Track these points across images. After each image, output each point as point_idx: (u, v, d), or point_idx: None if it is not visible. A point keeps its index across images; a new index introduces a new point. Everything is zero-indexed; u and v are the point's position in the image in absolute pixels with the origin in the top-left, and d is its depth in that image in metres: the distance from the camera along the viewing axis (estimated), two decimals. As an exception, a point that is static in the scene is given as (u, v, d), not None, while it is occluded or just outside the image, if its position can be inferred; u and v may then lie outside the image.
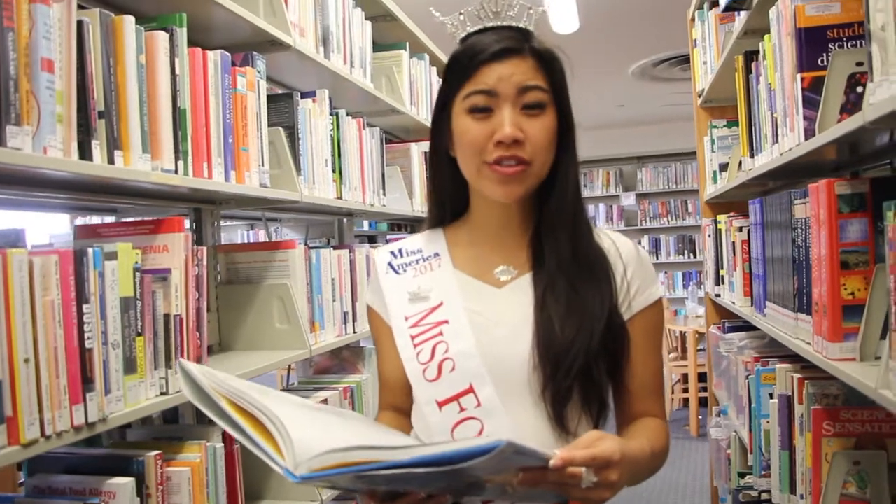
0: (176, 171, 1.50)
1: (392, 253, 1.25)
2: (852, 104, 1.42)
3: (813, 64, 1.54)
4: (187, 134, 1.54)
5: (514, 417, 1.09)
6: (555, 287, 1.13)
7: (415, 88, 3.09)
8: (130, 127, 1.37)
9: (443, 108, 1.18)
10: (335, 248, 2.29)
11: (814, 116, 1.51)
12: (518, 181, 1.12)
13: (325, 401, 2.12)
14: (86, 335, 1.21)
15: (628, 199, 8.80)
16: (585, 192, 8.60)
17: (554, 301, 1.12)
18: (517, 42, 1.14)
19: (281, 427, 0.89)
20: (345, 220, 2.94)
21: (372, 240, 3.59)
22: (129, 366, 1.33)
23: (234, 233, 6.85)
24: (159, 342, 1.43)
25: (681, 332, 6.18)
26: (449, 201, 1.24)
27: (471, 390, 1.09)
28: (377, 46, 2.97)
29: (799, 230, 1.61)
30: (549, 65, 1.16)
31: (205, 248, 1.58)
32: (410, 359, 1.13)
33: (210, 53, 1.65)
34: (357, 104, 2.78)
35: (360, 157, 2.48)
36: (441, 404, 1.10)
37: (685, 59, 4.39)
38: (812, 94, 1.54)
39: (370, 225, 3.73)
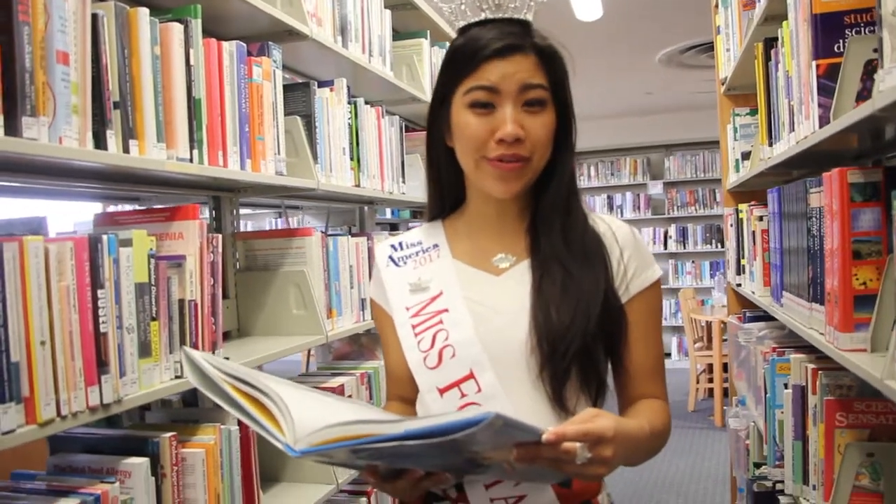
0: (191, 160, 1.53)
1: (392, 246, 1.27)
2: (868, 91, 1.40)
3: (829, 51, 1.52)
4: (202, 123, 1.57)
5: (513, 400, 1.10)
6: (550, 272, 1.14)
7: (435, 77, 3.09)
8: (145, 117, 1.40)
9: (442, 100, 1.19)
10: (353, 235, 2.31)
11: (829, 104, 1.49)
12: (516, 178, 1.14)
13: (341, 386, 2.14)
14: (100, 319, 1.24)
15: (656, 188, 8.73)
16: (612, 181, 8.72)
17: (550, 285, 1.13)
18: (519, 38, 1.15)
19: (282, 405, 0.92)
20: (366, 207, 2.96)
21: (394, 228, 3.61)
22: (144, 349, 1.37)
23: (264, 221, 6.94)
24: (174, 327, 1.46)
25: (706, 321, 6.14)
26: (448, 192, 1.26)
27: (471, 376, 1.11)
28: (398, 35, 2.98)
29: (814, 219, 1.60)
30: (550, 61, 1.17)
31: (220, 236, 1.61)
32: (412, 348, 1.15)
33: (225, 44, 1.67)
34: (377, 93, 2.80)
35: (378, 145, 2.49)
36: (442, 391, 1.11)
37: (712, 46, 4.34)
38: (827, 82, 1.52)
39: (393, 213, 3.75)
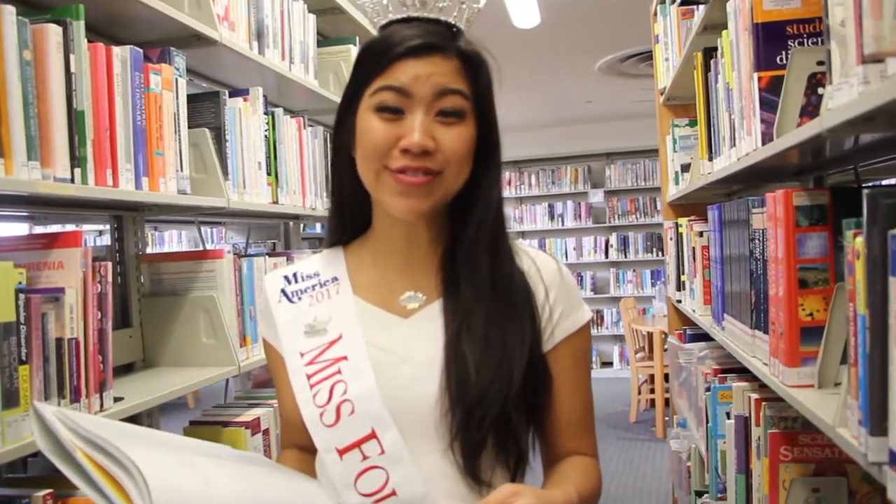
0: (72, 180, 1.36)
1: (286, 278, 1.10)
2: (813, 107, 1.31)
3: (771, 62, 1.43)
4: (86, 138, 1.39)
5: (422, 466, 0.96)
6: (471, 321, 0.99)
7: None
8: (13, 131, 1.22)
9: (349, 105, 1.03)
10: (271, 255, 2.15)
11: (772, 119, 1.39)
12: (422, 194, 0.98)
13: (257, 419, 1.98)
14: (-52, 369, 1.07)
15: (596, 196, 8.70)
16: (553, 190, 8.66)
17: (469, 338, 0.98)
18: (442, 39, 1.00)
19: (143, 486, 0.78)
20: (290, 223, 2.80)
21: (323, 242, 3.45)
22: (10, 399, 1.19)
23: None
24: (50, 369, 1.29)
25: (647, 332, 6.10)
26: (350, 214, 1.10)
27: (373, 436, 0.96)
28: (325, 41, 2.84)
29: (756, 241, 1.50)
30: (474, 69, 1.02)
31: (109, 264, 1.44)
32: (307, 402, 0.99)
33: (116, 49, 1.50)
34: (301, 102, 2.65)
35: (300, 158, 2.33)
36: (342, 452, 0.96)
37: (651, 55, 4.29)
38: (770, 95, 1.42)
39: (323, 227, 3.58)
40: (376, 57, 1.00)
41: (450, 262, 1.04)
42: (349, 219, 1.11)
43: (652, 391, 5.98)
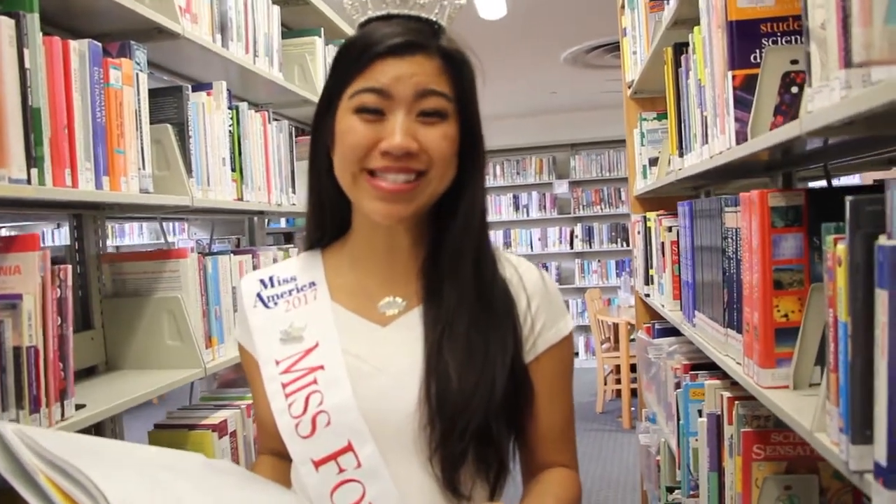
0: (29, 181, 1.30)
1: (262, 281, 1.07)
2: (787, 106, 1.31)
3: (745, 61, 1.42)
4: (43, 137, 1.33)
5: (400, 478, 0.94)
6: (453, 327, 0.97)
7: (331, 77, 2.89)
8: (-36, 131, 1.17)
9: (328, 105, 1.00)
10: (236, 252, 2.10)
11: (746, 118, 1.39)
12: (405, 199, 0.96)
13: (224, 422, 1.94)
14: None
15: (561, 187, 8.72)
16: (518, 180, 8.66)
17: (451, 344, 0.96)
18: (423, 37, 0.98)
19: None
20: (255, 218, 2.74)
21: (288, 238, 3.39)
22: (-35, 412, 1.14)
23: (168, 224, 6.57)
24: (7, 380, 1.23)
25: (613, 322, 6.14)
26: (329, 217, 1.07)
27: (349, 448, 0.93)
28: (289, 32, 2.78)
29: (729, 240, 1.50)
30: (457, 69, 1.00)
31: (69, 267, 1.38)
32: (282, 411, 0.97)
33: (74, 43, 1.44)
34: (265, 95, 2.59)
35: (265, 153, 2.28)
36: (317, 464, 0.94)
37: (618, 46, 4.28)
38: (744, 94, 1.41)
39: (288, 221, 3.53)
40: (356, 56, 0.97)
41: (432, 268, 1.02)
42: (328, 221, 1.08)
43: (618, 382, 6.02)
